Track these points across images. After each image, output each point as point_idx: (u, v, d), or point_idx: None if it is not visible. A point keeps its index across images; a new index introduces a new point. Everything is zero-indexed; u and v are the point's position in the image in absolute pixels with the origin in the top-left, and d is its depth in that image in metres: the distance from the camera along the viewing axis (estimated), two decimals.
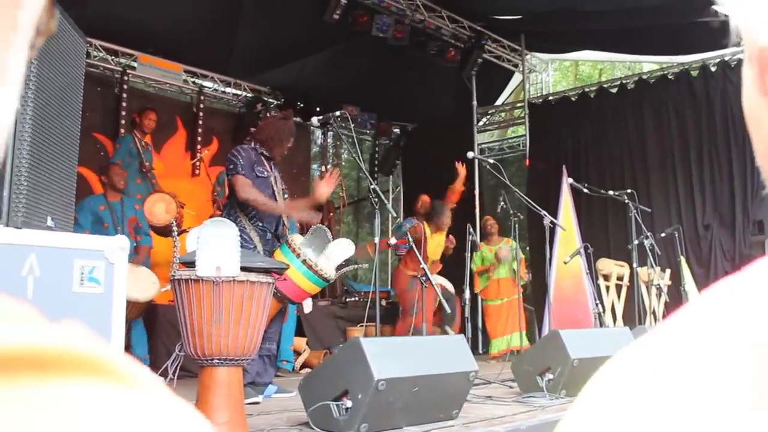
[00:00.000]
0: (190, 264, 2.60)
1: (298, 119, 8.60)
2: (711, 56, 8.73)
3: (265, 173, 4.46)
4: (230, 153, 4.47)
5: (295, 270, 4.05)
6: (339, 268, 4.31)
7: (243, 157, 4.35)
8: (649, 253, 6.48)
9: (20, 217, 1.93)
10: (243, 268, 2.63)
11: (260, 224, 4.37)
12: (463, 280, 6.29)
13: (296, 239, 4.17)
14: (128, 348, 5.48)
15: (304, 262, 4.07)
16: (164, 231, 6.27)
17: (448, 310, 5.89)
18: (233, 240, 2.61)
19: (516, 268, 6.97)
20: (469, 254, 5.81)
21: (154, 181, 7.62)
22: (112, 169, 6.19)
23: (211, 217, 6.63)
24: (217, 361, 2.61)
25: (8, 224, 1.88)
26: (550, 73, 11.46)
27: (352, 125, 4.95)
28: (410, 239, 4.48)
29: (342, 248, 4.27)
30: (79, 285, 1.84)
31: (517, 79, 11.27)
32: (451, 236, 7.61)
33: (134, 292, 5.38)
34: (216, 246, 2.59)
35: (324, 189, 4.58)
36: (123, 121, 8.19)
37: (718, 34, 7.81)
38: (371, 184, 4.33)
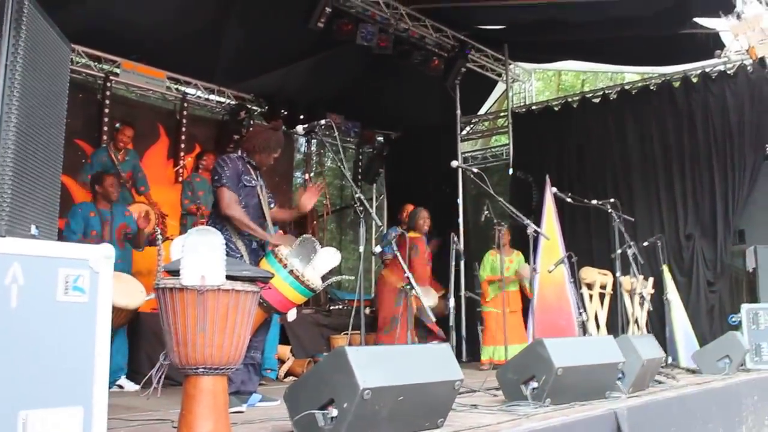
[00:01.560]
0: (175, 272, 2.58)
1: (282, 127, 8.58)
2: (692, 67, 8.83)
3: (252, 182, 4.43)
4: (216, 162, 4.42)
5: (282, 280, 4.03)
6: (325, 278, 4.28)
7: (229, 168, 4.31)
8: (632, 262, 6.51)
9: (4, 226, 1.91)
10: (228, 277, 2.61)
11: (246, 234, 4.33)
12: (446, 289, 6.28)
13: (283, 250, 4.14)
14: None
15: (291, 272, 4.04)
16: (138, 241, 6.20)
17: (433, 319, 5.88)
18: (218, 248, 2.60)
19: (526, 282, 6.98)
20: (454, 262, 5.78)
21: (143, 189, 7.58)
22: (107, 179, 6.11)
23: (194, 225, 6.61)
24: (201, 370, 2.59)
25: None
26: (533, 83, 11.52)
27: (337, 133, 4.94)
28: (395, 248, 4.45)
29: (328, 257, 4.25)
30: (64, 294, 1.81)
31: (500, 88, 11.33)
32: (433, 241, 7.67)
33: (122, 299, 5.33)
34: (201, 254, 2.57)
35: (308, 200, 4.57)
36: (105, 128, 8.13)
37: (700, 46, 7.89)
38: (356, 192, 4.31)
